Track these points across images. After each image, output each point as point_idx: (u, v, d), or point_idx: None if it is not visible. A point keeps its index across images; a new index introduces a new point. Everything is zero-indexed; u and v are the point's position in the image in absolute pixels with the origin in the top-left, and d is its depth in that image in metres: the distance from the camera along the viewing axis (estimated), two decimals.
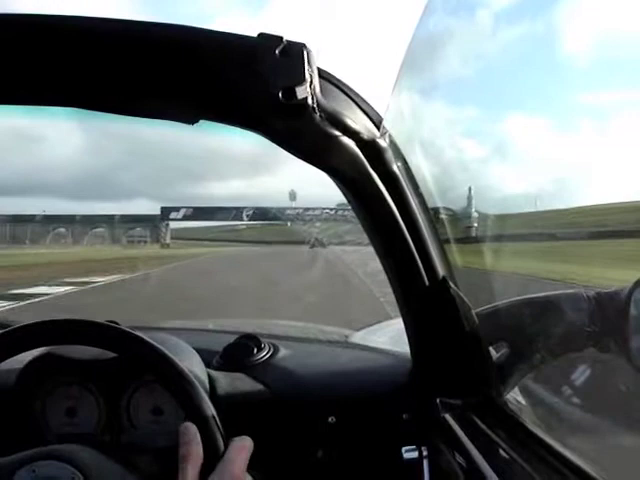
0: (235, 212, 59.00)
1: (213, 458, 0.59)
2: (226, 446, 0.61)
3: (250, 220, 60.80)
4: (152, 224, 53.74)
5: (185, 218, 57.82)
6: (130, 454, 0.75)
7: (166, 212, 56.05)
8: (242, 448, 0.60)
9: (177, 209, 57.10)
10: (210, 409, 0.64)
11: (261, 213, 58.73)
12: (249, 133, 0.57)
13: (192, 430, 0.60)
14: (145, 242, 52.95)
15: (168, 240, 52.08)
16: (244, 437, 0.62)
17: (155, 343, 0.67)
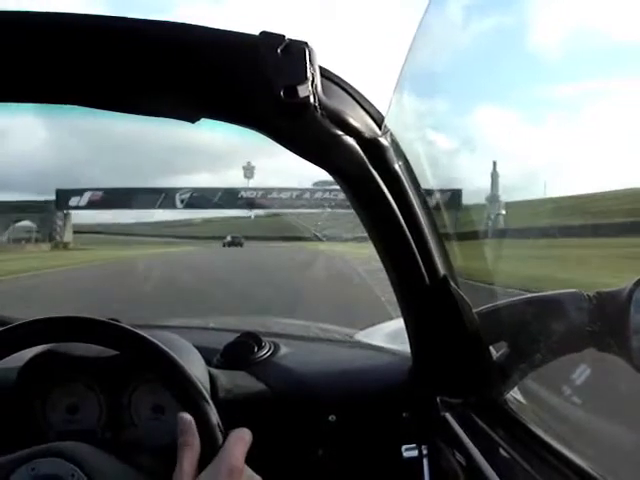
0: (164, 196, 40.49)
1: (211, 450, 0.59)
2: (225, 439, 0.61)
3: (186, 207, 41.84)
4: (44, 214, 36.58)
5: (91, 205, 39.18)
6: (131, 452, 0.75)
7: (64, 197, 38.02)
8: (240, 439, 0.61)
9: (80, 192, 38.48)
10: (209, 405, 0.64)
11: (202, 197, 40.62)
12: (249, 131, 0.57)
13: (189, 420, 0.60)
14: (29, 240, 35.53)
15: (67, 237, 37.25)
16: (242, 429, 0.62)
17: (155, 340, 0.67)
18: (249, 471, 0.60)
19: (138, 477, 0.67)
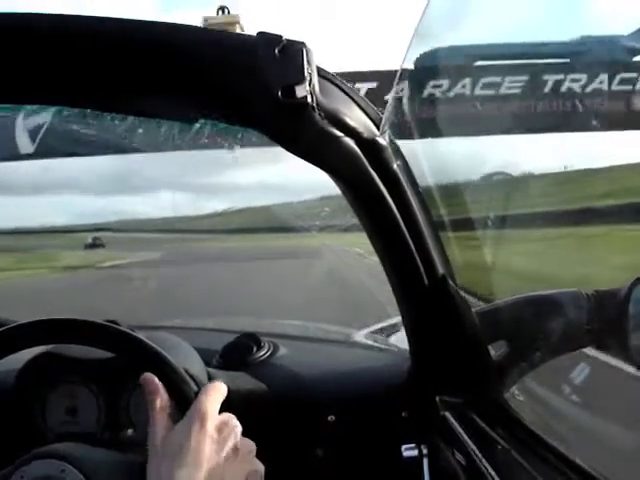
0: None
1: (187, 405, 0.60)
2: None
3: None
4: None
5: None
6: (130, 453, 0.75)
7: None
8: (212, 388, 0.62)
9: None
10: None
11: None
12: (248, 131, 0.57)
13: (155, 380, 0.61)
14: None
15: None
16: (216, 382, 0.63)
17: (152, 343, 0.67)
18: (234, 421, 0.61)
19: (132, 470, 0.66)
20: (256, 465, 0.62)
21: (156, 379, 0.61)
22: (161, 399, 0.60)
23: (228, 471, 0.57)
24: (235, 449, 0.59)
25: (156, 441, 0.58)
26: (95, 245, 25.96)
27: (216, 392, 0.62)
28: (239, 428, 0.61)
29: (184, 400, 0.61)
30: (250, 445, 0.62)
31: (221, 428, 0.59)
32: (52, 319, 0.65)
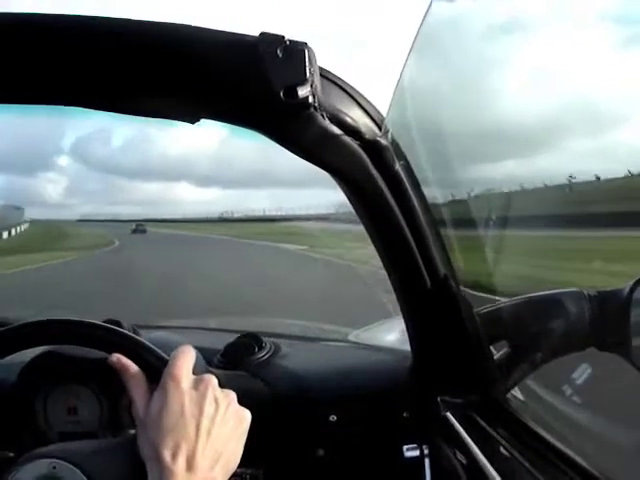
0: None
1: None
2: None
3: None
4: None
5: None
6: (131, 452, 0.75)
7: None
8: (180, 352, 0.62)
9: None
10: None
11: None
12: (249, 132, 0.57)
13: (121, 358, 0.62)
14: None
15: None
16: (183, 345, 0.64)
17: (151, 345, 0.66)
18: (208, 375, 0.61)
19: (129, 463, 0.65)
20: (241, 412, 0.62)
21: (122, 357, 0.62)
22: (133, 373, 0.61)
23: (213, 424, 0.58)
24: (215, 401, 0.59)
25: (139, 412, 0.59)
26: (138, 230, 38.13)
27: (184, 354, 0.62)
28: (215, 380, 0.61)
29: (156, 370, 0.62)
30: (230, 394, 0.63)
31: (196, 385, 0.60)
32: (52, 320, 0.66)
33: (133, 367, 0.62)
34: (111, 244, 26.22)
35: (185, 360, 0.61)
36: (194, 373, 0.62)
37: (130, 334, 0.67)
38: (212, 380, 0.61)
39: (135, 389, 0.61)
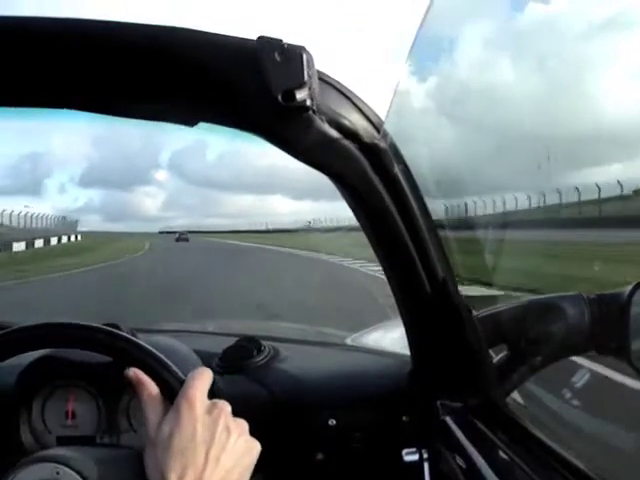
0: None
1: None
2: None
3: None
4: None
5: None
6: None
7: None
8: (197, 374, 0.62)
9: None
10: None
11: None
12: (249, 135, 0.57)
13: (139, 372, 0.62)
14: None
15: None
16: (202, 368, 0.64)
17: (150, 348, 0.66)
18: (222, 402, 0.61)
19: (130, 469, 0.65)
20: (251, 442, 0.62)
21: (140, 372, 0.62)
22: (148, 389, 0.61)
23: (223, 451, 0.57)
24: (227, 429, 0.59)
25: (150, 431, 0.59)
26: (181, 239, 44.15)
27: (202, 377, 0.62)
28: (228, 408, 0.61)
29: (172, 390, 0.61)
30: (242, 424, 0.62)
31: (210, 410, 0.59)
32: (49, 323, 0.65)
33: (150, 384, 0.62)
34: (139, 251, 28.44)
35: (202, 383, 0.61)
36: None
37: (132, 338, 0.67)
38: (226, 407, 0.61)
39: (149, 406, 0.60)
